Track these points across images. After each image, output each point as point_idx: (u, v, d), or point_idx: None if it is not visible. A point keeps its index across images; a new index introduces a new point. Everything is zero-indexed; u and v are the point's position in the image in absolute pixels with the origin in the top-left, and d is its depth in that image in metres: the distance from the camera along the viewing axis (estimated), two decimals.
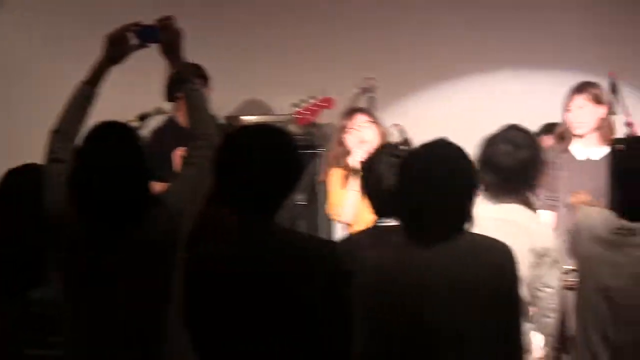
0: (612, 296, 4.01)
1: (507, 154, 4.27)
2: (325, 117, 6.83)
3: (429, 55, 7.69)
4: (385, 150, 4.19)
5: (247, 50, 7.81)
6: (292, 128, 6.60)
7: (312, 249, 3.24)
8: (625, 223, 4.01)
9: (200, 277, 3.23)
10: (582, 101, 5.81)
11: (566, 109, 5.84)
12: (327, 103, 6.72)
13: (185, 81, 4.14)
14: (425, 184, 3.38)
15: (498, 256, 3.39)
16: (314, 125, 6.77)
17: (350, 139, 5.60)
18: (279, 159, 3.22)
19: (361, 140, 5.52)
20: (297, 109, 6.74)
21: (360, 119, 5.71)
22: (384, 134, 5.72)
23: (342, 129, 5.73)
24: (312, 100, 6.74)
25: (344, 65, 7.39)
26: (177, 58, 4.09)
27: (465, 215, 3.36)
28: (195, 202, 3.70)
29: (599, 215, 4.25)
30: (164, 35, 4.10)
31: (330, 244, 3.56)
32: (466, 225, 3.38)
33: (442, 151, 3.43)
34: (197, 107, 4.02)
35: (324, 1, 7.89)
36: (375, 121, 5.81)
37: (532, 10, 7.73)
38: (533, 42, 7.71)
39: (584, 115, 5.81)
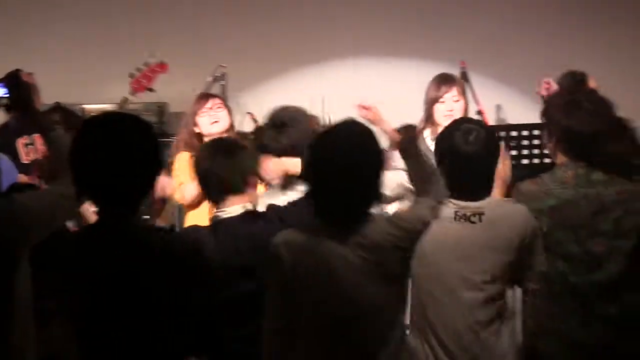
0: None
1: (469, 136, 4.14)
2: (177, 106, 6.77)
3: (280, 44, 7.73)
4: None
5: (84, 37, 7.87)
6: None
7: (162, 248, 3.25)
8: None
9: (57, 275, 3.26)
10: (455, 93, 5.82)
11: (437, 99, 5.81)
12: (161, 68, 6.51)
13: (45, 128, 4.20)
14: (332, 164, 3.48)
15: (400, 238, 3.52)
16: (150, 90, 6.51)
17: (202, 122, 5.57)
18: (136, 151, 3.18)
19: (214, 121, 5.53)
20: (132, 79, 6.53)
21: (214, 102, 5.70)
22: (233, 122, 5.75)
23: (194, 114, 5.65)
24: (146, 67, 6.52)
25: (195, 55, 7.41)
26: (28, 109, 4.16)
27: (374, 195, 3.47)
28: (53, 217, 3.62)
29: None
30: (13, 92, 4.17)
31: (181, 239, 3.63)
32: (375, 206, 3.47)
33: (349, 132, 3.50)
34: (60, 150, 3.88)
35: None
36: (228, 108, 5.78)
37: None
38: (385, 31, 7.72)
39: (457, 106, 5.82)
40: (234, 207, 3.95)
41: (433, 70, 6.00)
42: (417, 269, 3.73)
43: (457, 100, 5.69)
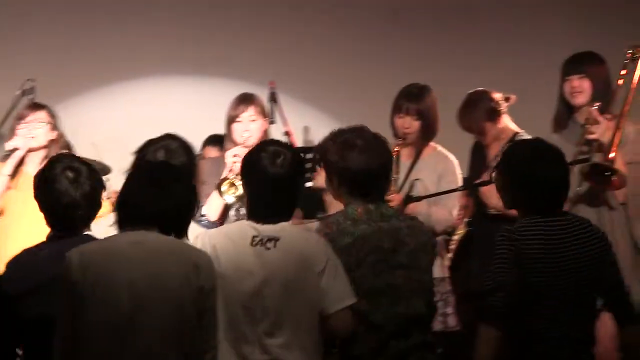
0: None
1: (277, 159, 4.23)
2: None
3: (92, 59, 7.60)
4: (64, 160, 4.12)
5: None
6: None
7: None
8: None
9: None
10: (252, 112, 5.79)
11: (235, 119, 5.79)
12: None
13: None
14: (150, 186, 3.67)
15: (195, 255, 3.64)
16: None
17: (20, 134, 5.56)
18: None
19: (31, 137, 5.51)
20: None
21: (38, 115, 5.64)
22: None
23: (13, 128, 5.66)
24: None
25: (3, 69, 7.25)
26: None
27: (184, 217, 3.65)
28: None
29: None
30: None
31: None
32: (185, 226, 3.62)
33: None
34: None
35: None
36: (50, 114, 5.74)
37: (194, 16, 7.72)
38: (194, 50, 7.72)
39: (254, 126, 5.80)
40: None
41: (242, 89, 6.01)
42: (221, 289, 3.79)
43: (254, 120, 5.69)
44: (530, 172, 4.20)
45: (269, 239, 3.87)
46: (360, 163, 4.18)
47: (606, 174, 5.43)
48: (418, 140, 5.62)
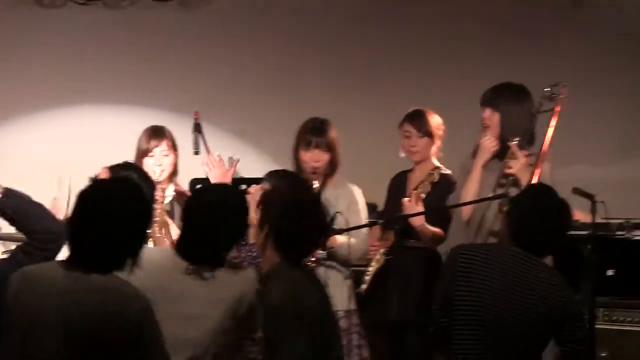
0: None
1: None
2: None
3: (12, 87, 7.59)
4: None
5: None
6: None
7: None
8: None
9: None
10: (165, 147, 5.87)
11: (147, 153, 5.88)
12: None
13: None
14: (92, 219, 3.62)
15: (122, 302, 3.54)
16: None
17: None
18: None
19: None
20: None
21: None
22: None
23: None
24: None
25: None
26: None
27: (123, 252, 3.57)
28: None
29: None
30: None
31: None
32: (126, 263, 3.57)
33: (111, 189, 3.70)
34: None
35: None
36: None
37: (119, 44, 7.68)
38: (118, 79, 7.73)
39: (167, 160, 5.89)
40: None
41: (166, 119, 6.15)
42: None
43: (167, 155, 5.74)
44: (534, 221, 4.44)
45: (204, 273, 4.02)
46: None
47: None
48: (326, 172, 5.73)
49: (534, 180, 5.47)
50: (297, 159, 5.75)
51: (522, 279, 4.40)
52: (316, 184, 5.62)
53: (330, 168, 5.66)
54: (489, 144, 5.70)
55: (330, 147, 5.68)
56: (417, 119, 5.93)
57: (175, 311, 3.96)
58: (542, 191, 4.72)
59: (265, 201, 4.49)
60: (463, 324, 4.39)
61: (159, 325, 3.65)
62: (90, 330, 3.49)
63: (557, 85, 5.58)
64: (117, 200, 3.69)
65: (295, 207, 4.45)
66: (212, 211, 4.21)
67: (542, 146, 5.53)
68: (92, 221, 3.60)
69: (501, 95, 5.66)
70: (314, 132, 5.73)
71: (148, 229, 3.89)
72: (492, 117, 5.60)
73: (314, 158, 5.64)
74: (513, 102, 5.62)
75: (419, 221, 5.69)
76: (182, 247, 4.15)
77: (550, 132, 5.58)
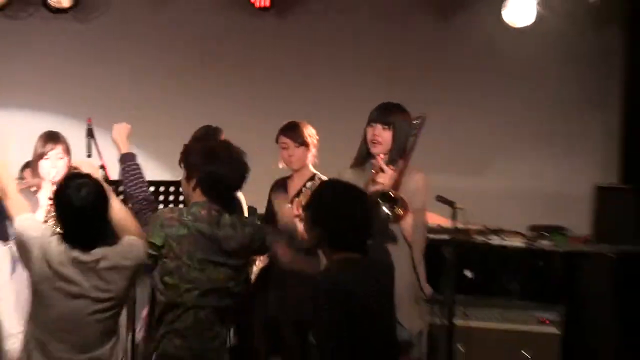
0: None
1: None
2: None
3: None
4: None
5: None
6: None
7: None
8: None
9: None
10: (60, 150, 5.86)
11: (43, 156, 5.81)
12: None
13: None
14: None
15: None
16: None
17: None
18: None
19: None
20: None
21: None
22: None
23: None
24: None
25: None
26: None
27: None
28: None
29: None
30: None
31: None
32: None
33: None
34: None
35: None
36: None
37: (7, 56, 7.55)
38: (14, 83, 7.60)
39: (61, 163, 5.85)
40: None
41: (64, 125, 6.15)
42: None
43: (62, 158, 5.72)
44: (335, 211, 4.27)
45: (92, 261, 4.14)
46: (221, 170, 4.46)
47: (392, 203, 5.28)
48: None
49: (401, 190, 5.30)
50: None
51: None
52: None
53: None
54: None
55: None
56: (292, 130, 5.98)
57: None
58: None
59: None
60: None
61: None
62: None
63: (420, 117, 5.48)
64: None
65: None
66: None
67: (403, 164, 5.45)
68: None
69: (394, 114, 5.56)
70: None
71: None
72: (383, 133, 5.49)
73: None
74: (403, 120, 5.53)
75: (299, 226, 5.52)
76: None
77: (411, 151, 5.49)
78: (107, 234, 4.40)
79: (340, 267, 4.14)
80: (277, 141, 6.00)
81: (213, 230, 4.42)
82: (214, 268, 4.49)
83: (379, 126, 5.49)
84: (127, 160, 5.09)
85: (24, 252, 4.33)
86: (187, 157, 4.70)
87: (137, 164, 5.12)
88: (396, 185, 5.28)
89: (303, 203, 5.31)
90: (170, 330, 4.54)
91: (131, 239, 4.49)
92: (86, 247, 4.16)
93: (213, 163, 4.49)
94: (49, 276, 4.21)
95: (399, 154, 5.44)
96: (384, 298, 4.21)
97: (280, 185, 6.02)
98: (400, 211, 5.22)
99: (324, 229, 4.18)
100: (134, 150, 6.43)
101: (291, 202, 5.75)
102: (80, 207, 4.21)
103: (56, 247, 4.27)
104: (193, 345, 4.52)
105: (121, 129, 5.37)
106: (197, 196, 4.49)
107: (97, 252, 4.17)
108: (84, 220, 4.25)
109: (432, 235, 5.72)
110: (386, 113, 5.55)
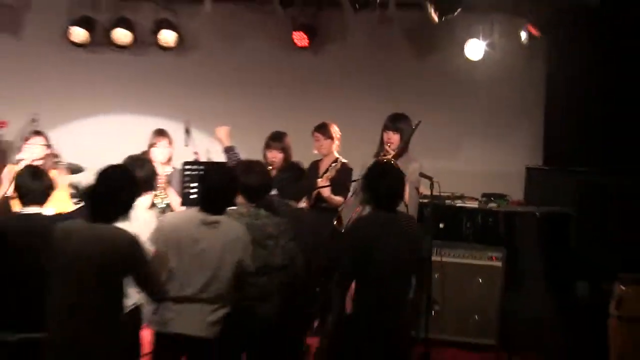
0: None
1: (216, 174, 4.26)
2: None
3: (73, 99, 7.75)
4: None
5: None
6: None
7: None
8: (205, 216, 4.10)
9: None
10: (165, 142, 5.85)
11: (153, 145, 5.80)
12: (2, 124, 6.78)
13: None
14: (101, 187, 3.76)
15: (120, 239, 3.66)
16: None
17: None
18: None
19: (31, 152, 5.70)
20: None
21: (38, 139, 5.87)
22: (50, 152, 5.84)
23: (25, 139, 5.84)
24: None
25: (12, 100, 7.32)
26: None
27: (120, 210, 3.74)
28: None
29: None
30: None
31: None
32: (121, 217, 3.74)
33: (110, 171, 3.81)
34: None
35: None
36: (46, 139, 5.87)
37: (136, 72, 7.63)
38: (131, 94, 7.64)
39: (166, 151, 5.86)
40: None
41: (170, 126, 6.21)
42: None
43: (166, 147, 5.87)
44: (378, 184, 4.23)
45: (212, 222, 4.03)
46: (254, 181, 4.32)
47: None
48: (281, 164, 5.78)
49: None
50: (264, 156, 5.91)
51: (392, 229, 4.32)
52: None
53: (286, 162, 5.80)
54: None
55: (284, 149, 5.87)
56: (322, 128, 6.11)
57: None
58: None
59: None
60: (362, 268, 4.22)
61: (144, 251, 3.76)
62: (100, 255, 3.62)
63: (417, 123, 5.61)
64: (113, 178, 3.75)
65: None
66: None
67: (403, 147, 5.67)
68: (101, 192, 3.69)
69: (402, 122, 5.74)
70: (272, 139, 5.94)
71: (134, 198, 3.82)
72: (393, 136, 5.68)
73: (271, 156, 5.83)
74: (406, 126, 5.70)
75: (327, 192, 5.89)
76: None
77: (408, 142, 5.68)
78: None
79: (375, 216, 4.22)
80: (312, 135, 6.17)
81: (252, 221, 4.33)
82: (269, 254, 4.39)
83: (390, 132, 5.65)
84: (229, 150, 5.32)
85: None
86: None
87: (236, 153, 5.32)
88: (395, 157, 5.48)
89: (329, 177, 5.81)
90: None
91: None
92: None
93: (247, 177, 4.33)
94: None
95: (403, 145, 5.59)
96: (406, 235, 4.21)
97: (315, 164, 6.13)
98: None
99: (370, 193, 4.26)
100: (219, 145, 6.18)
101: (321, 176, 5.92)
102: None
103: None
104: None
105: (222, 130, 5.48)
106: (240, 199, 4.36)
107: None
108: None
109: (422, 201, 6.02)
110: (395, 121, 5.68)
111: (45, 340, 3.66)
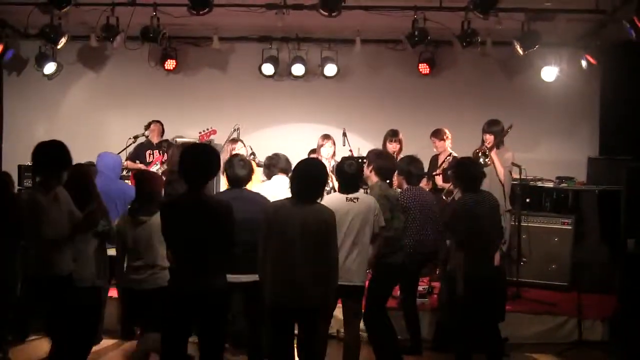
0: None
1: (350, 166, 4.96)
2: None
3: (268, 112, 9.26)
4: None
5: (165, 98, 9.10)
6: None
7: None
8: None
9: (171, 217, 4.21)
10: (330, 143, 6.94)
11: (322, 146, 6.88)
12: (213, 132, 8.04)
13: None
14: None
15: (320, 213, 4.29)
16: (209, 141, 7.95)
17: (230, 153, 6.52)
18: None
19: (234, 154, 6.01)
20: (200, 134, 8.03)
21: (239, 145, 6.94)
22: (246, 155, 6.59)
23: (230, 149, 6.79)
24: (206, 130, 8.04)
25: (221, 114, 8.69)
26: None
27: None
28: None
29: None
30: None
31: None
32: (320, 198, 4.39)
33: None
34: (172, 159, 4.44)
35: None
36: (244, 144, 6.99)
37: (317, 89, 9.07)
38: (300, 108, 9.07)
39: (330, 150, 6.90)
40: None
41: (330, 131, 7.52)
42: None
43: (331, 147, 6.96)
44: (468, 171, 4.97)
45: (353, 198, 4.77)
46: (387, 164, 5.12)
47: (484, 157, 6.45)
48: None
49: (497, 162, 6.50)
50: (384, 146, 7.04)
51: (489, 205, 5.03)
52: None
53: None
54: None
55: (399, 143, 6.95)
56: (437, 132, 7.32)
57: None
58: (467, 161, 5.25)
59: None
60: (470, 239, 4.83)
61: (336, 228, 4.36)
62: (310, 226, 4.23)
63: (510, 126, 6.61)
64: (313, 170, 4.39)
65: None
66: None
67: (492, 146, 6.60)
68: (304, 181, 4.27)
69: (494, 126, 6.58)
70: (392, 135, 7.10)
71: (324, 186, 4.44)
72: (489, 139, 6.55)
73: (392, 148, 6.96)
74: (498, 129, 6.59)
75: (440, 180, 7.13)
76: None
77: (501, 141, 6.58)
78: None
79: (469, 198, 4.96)
80: (430, 139, 7.41)
81: (384, 193, 5.06)
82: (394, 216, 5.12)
83: (486, 134, 6.63)
84: None
85: None
86: (369, 157, 5.22)
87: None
88: (490, 149, 6.56)
89: (444, 167, 7.05)
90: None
91: None
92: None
93: (381, 160, 5.02)
94: None
95: (497, 142, 6.62)
96: (494, 208, 5.02)
97: (435, 158, 7.35)
98: (489, 161, 6.45)
99: (461, 181, 5.00)
100: (369, 143, 7.57)
101: (439, 167, 7.14)
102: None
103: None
104: None
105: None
106: (373, 177, 5.08)
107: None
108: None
109: (514, 182, 6.95)
110: (490, 126, 6.70)
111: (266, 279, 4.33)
